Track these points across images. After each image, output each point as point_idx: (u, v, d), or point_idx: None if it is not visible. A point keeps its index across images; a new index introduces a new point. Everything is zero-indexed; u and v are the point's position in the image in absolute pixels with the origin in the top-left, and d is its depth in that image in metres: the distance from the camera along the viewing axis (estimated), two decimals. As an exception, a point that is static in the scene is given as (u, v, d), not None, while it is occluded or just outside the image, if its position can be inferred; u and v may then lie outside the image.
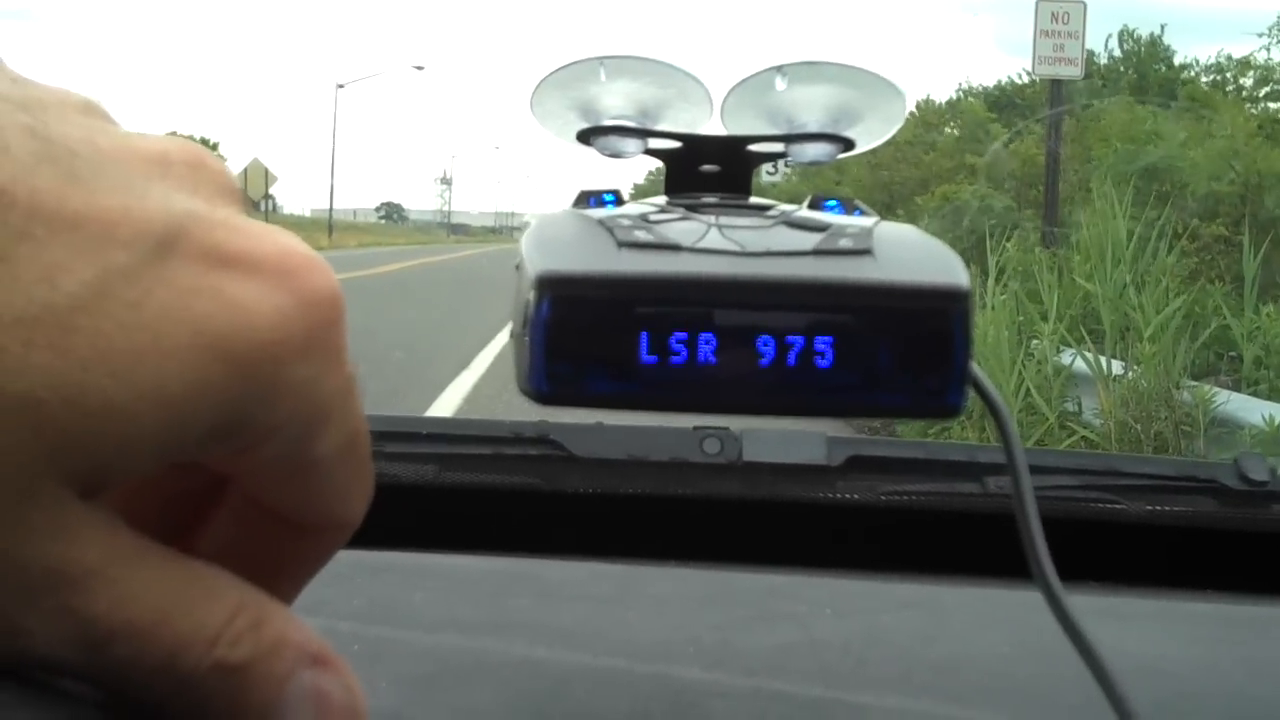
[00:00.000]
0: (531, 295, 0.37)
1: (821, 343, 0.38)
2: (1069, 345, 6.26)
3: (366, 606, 0.64)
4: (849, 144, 0.51)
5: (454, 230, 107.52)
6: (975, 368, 0.40)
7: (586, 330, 0.37)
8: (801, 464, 0.82)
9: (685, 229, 0.41)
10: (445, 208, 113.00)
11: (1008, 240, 7.98)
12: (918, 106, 20.96)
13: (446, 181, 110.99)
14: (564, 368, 0.38)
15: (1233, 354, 6.44)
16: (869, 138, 0.51)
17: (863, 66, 0.51)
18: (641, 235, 0.40)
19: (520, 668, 0.57)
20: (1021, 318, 6.69)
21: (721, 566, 0.74)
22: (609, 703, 0.54)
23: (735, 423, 0.83)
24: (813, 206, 0.46)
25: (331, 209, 54.78)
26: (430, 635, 0.60)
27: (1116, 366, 5.86)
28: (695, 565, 0.74)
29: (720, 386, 0.38)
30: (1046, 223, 9.10)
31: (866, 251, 0.39)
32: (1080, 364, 6.06)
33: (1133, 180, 7.75)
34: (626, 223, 0.41)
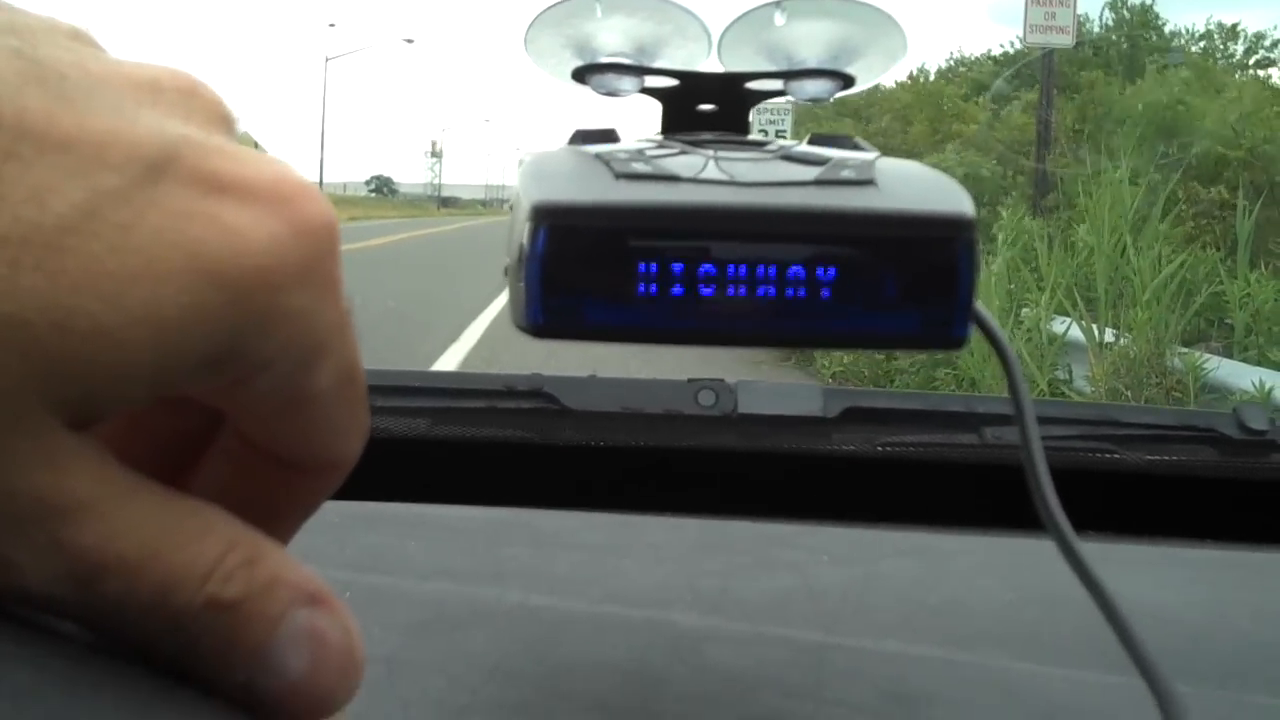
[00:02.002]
0: (527, 226, 0.37)
1: (823, 273, 0.37)
2: (1062, 312, 6.26)
3: (359, 556, 0.63)
4: (849, 80, 0.50)
5: (444, 203, 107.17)
6: (980, 307, 0.39)
7: (583, 261, 0.37)
8: (797, 415, 0.81)
9: (683, 162, 0.40)
10: (435, 181, 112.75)
11: (1001, 207, 7.97)
12: (910, 76, 20.96)
13: (436, 155, 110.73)
14: (560, 300, 0.37)
15: (1226, 320, 6.45)
16: (869, 74, 0.51)
17: (862, 1, 0.50)
18: (639, 167, 0.39)
19: (515, 614, 0.56)
20: (1013, 285, 6.68)
21: (718, 518, 0.74)
22: (605, 647, 0.53)
23: (731, 371, 0.83)
24: (813, 144, 0.46)
25: (321, 182, 54.74)
26: (424, 583, 0.59)
27: (1108, 334, 5.87)
28: (692, 517, 0.74)
29: (720, 317, 0.37)
30: (1036, 190, 9.09)
31: (869, 181, 0.39)
32: (1072, 331, 6.06)
33: (1148, 135, 7.73)
34: (624, 155, 0.40)
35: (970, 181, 10.80)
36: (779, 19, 0.50)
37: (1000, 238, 7.28)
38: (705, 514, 0.74)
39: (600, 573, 0.62)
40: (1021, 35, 10.45)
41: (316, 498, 0.29)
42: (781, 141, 0.45)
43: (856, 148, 0.45)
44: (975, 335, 0.40)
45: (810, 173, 0.39)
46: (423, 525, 0.68)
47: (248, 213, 0.24)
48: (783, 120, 10.14)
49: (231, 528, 0.26)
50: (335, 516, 0.69)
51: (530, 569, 0.62)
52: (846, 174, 0.39)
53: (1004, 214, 7.58)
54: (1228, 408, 0.85)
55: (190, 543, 0.25)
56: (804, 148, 0.44)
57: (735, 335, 0.38)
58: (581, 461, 0.82)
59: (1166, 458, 0.83)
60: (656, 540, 0.68)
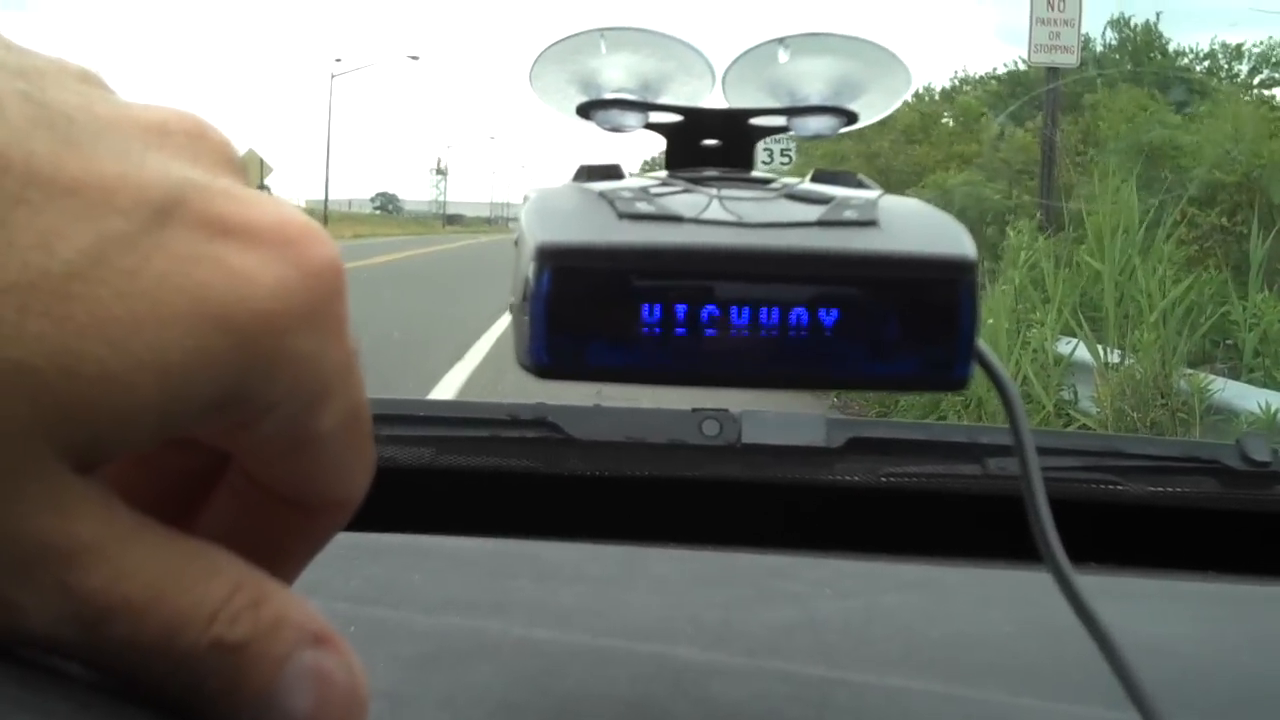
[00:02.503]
0: (532, 267, 0.37)
1: (826, 314, 0.37)
2: (1068, 333, 6.26)
3: (363, 588, 0.63)
4: (852, 117, 0.50)
5: (449, 220, 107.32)
6: (982, 344, 0.39)
7: (587, 302, 0.37)
8: (801, 445, 0.82)
9: (687, 201, 0.40)
10: (440, 198, 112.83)
11: (1009, 228, 7.98)
12: (916, 95, 20.96)
13: (442, 172, 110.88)
14: (564, 340, 0.37)
15: (1228, 341, 6.44)
16: (872, 111, 0.51)
17: (866, 38, 0.50)
18: (643, 206, 0.39)
19: (519, 647, 0.56)
20: (1020, 305, 6.68)
21: (721, 549, 0.74)
22: (608, 682, 0.53)
23: (735, 403, 0.83)
24: (816, 180, 0.46)
25: (327, 200, 54.81)
26: (428, 616, 0.60)
27: (1114, 355, 5.86)
28: (695, 547, 0.74)
29: (723, 358, 0.37)
30: (1043, 210, 9.10)
31: (872, 222, 0.39)
32: (1079, 352, 6.06)
33: (1139, 162, 7.74)
34: (628, 194, 0.40)
35: (975, 202, 10.81)
36: (783, 56, 0.50)
37: (1007, 258, 7.28)
38: (709, 544, 0.74)
39: (604, 605, 0.62)
40: (1025, 55, 10.47)
41: (323, 536, 0.30)
42: (786, 180, 0.46)
43: (860, 185, 0.45)
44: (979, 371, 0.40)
45: (813, 213, 0.39)
46: (427, 556, 0.68)
47: (254, 256, 0.24)
48: (787, 142, 10.14)
49: (237, 569, 0.26)
50: (339, 548, 0.68)
51: (534, 601, 0.63)
52: (849, 214, 0.39)
53: (1010, 235, 7.58)
54: (1233, 433, 0.85)
55: (196, 584, 0.25)
56: (807, 186, 0.44)
57: (738, 376, 0.38)
58: (585, 491, 0.82)
59: (1169, 489, 0.83)
60: (660, 572, 0.68)
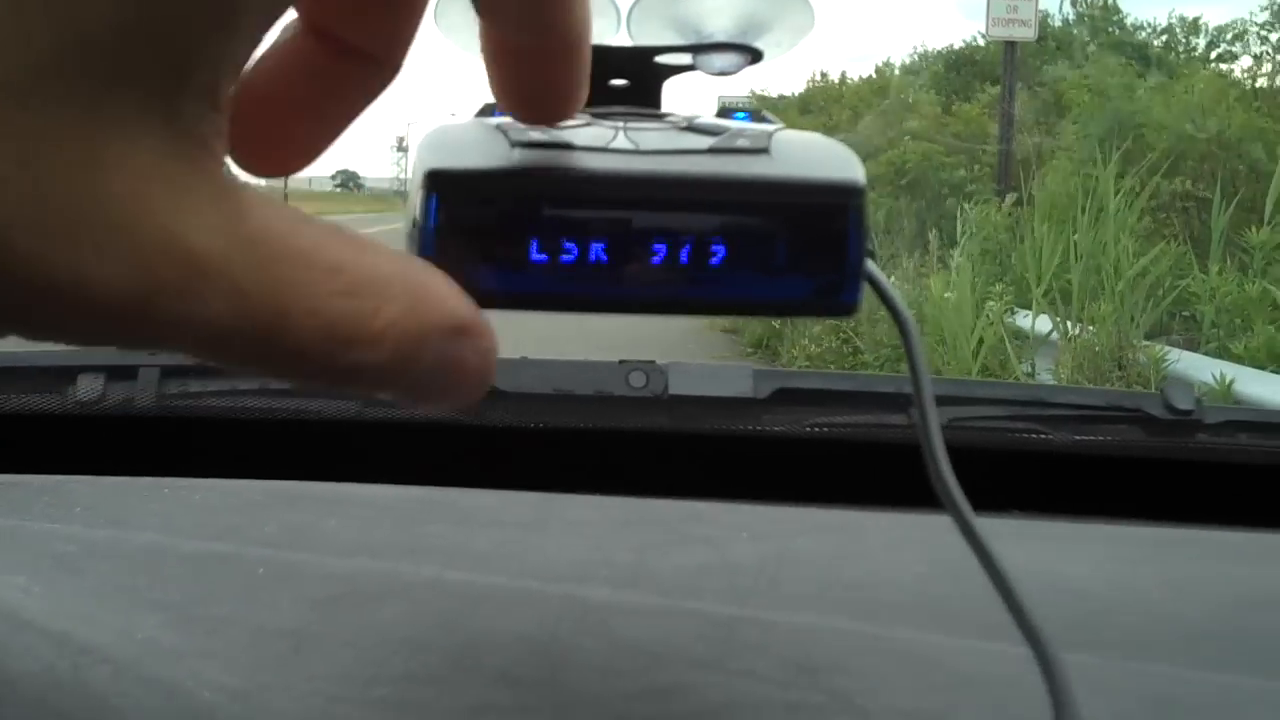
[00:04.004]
0: (420, 195, 0.37)
1: (715, 240, 0.37)
2: (1027, 307, 6.29)
3: (278, 533, 0.63)
4: (757, 55, 0.50)
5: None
6: (874, 267, 0.39)
7: (476, 228, 0.37)
8: (727, 397, 0.82)
9: (583, 133, 0.40)
10: (402, 175, 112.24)
11: (967, 202, 8.01)
12: (876, 70, 21.00)
13: (403, 148, 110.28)
14: (453, 267, 0.37)
15: (1185, 313, 6.48)
16: (776, 48, 0.51)
17: (768, -26, 0.50)
18: (535, 135, 0.39)
19: (430, 588, 0.56)
20: (977, 277, 6.71)
21: (646, 498, 0.74)
22: (518, 621, 0.53)
23: (658, 353, 0.83)
24: (720, 115, 0.46)
25: (286, 178, 54.27)
26: (341, 559, 0.59)
27: (1074, 328, 5.89)
28: (621, 497, 0.74)
29: (612, 284, 0.37)
30: (1000, 183, 9.13)
31: (763, 150, 0.39)
32: (1038, 325, 6.09)
33: (1106, 132, 7.77)
34: (523, 125, 0.40)
35: (932, 172, 10.84)
36: None
37: (966, 231, 7.31)
38: (634, 495, 0.74)
39: (518, 549, 0.62)
40: (984, 30, 10.50)
41: (377, 89, 0.33)
42: (688, 113, 0.46)
43: (764, 120, 0.45)
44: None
45: (706, 142, 0.39)
46: (345, 503, 0.68)
47: None
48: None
49: (384, 277, 0.27)
50: (258, 495, 0.69)
51: (449, 545, 0.63)
52: (741, 143, 0.39)
53: (965, 207, 7.61)
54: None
55: (331, 302, 0.25)
56: (707, 120, 0.44)
57: (627, 302, 0.38)
58: (512, 442, 0.82)
59: (1094, 438, 0.84)
60: (577, 518, 0.68)
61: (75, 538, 0.58)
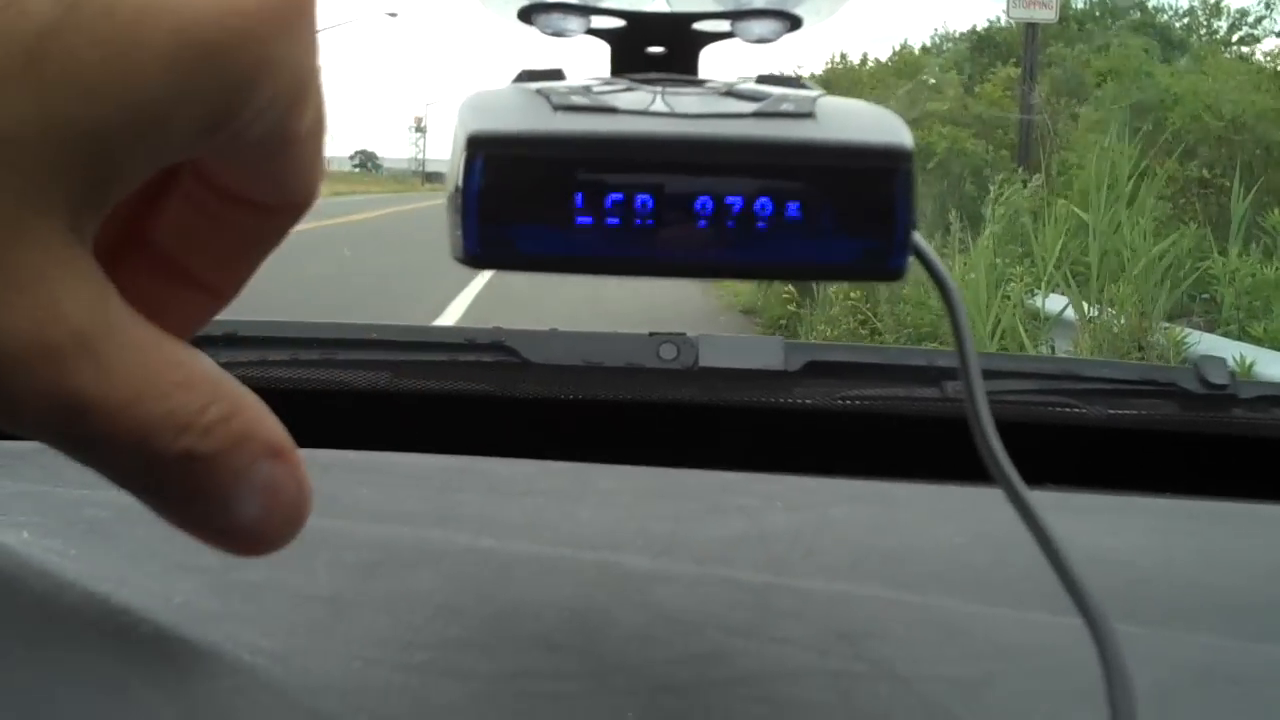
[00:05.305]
0: (463, 157, 0.37)
1: (760, 204, 0.37)
2: (1040, 288, 6.27)
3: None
4: (796, 21, 0.50)
5: (428, 178, 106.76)
6: (920, 240, 0.39)
7: (519, 191, 0.37)
8: (758, 369, 0.81)
9: (625, 97, 0.40)
10: (420, 155, 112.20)
11: (989, 183, 7.98)
12: (895, 52, 20.91)
13: (421, 129, 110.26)
14: (496, 229, 0.37)
15: (1205, 295, 6.46)
16: (816, 15, 0.50)
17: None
18: (578, 100, 0.39)
19: (464, 555, 0.56)
20: (1000, 259, 6.69)
21: (678, 469, 0.74)
22: (552, 588, 0.53)
23: (689, 325, 0.82)
24: (760, 83, 0.45)
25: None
26: (373, 526, 0.59)
27: (1093, 309, 5.88)
28: (648, 467, 0.74)
29: (655, 247, 0.37)
30: (1021, 164, 9.10)
31: (809, 115, 0.39)
32: (1058, 306, 6.07)
33: (1128, 113, 7.75)
34: (564, 90, 0.40)
35: (957, 157, 10.81)
36: None
37: (989, 212, 7.29)
38: (666, 465, 0.74)
39: (552, 518, 0.62)
40: (1006, 10, 10.45)
41: (277, 236, 0.32)
42: (728, 79, 0.45)
43: (803, 87, 0.45)
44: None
45: (750, 107, 0.39)
46: (377, 472, 0.68)
47: None
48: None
49: (214, 379, 0.27)
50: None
51: (482, 514, 0.62)
52: (786, 107, 0.39)
53: (992, 189, 7.59)
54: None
55: (174, 392, 0.26)
56: (749, 86, 0.44)
57: (671, 265, 0.37)
58: (541, 414, 0.82)
59: (1128, 412, 0.83)
60: (609, 487, 0.68)
61: (108, 503, 0.58)
